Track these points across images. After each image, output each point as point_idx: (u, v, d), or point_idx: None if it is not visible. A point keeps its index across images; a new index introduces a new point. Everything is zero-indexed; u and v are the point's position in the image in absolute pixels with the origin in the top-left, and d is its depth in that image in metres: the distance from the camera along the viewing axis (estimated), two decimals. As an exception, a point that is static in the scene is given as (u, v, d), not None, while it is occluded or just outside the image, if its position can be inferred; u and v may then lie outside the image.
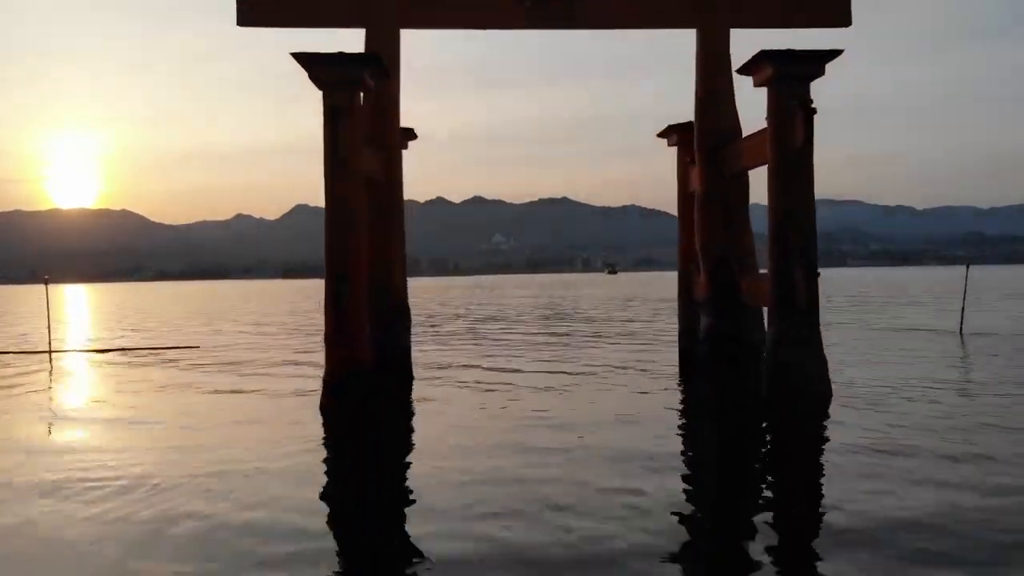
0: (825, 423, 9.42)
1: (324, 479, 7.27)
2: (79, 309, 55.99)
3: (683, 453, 8.18)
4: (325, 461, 7.93)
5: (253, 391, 12.64)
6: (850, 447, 7.91)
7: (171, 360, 17.76)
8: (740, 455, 8.20)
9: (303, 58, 10.71)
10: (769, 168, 11.03)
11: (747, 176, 13.08)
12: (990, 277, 74.17)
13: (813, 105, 10.56)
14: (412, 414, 10.62)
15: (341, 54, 10.67)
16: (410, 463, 7.81)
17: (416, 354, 16.08)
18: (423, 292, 77.09)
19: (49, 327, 20.80)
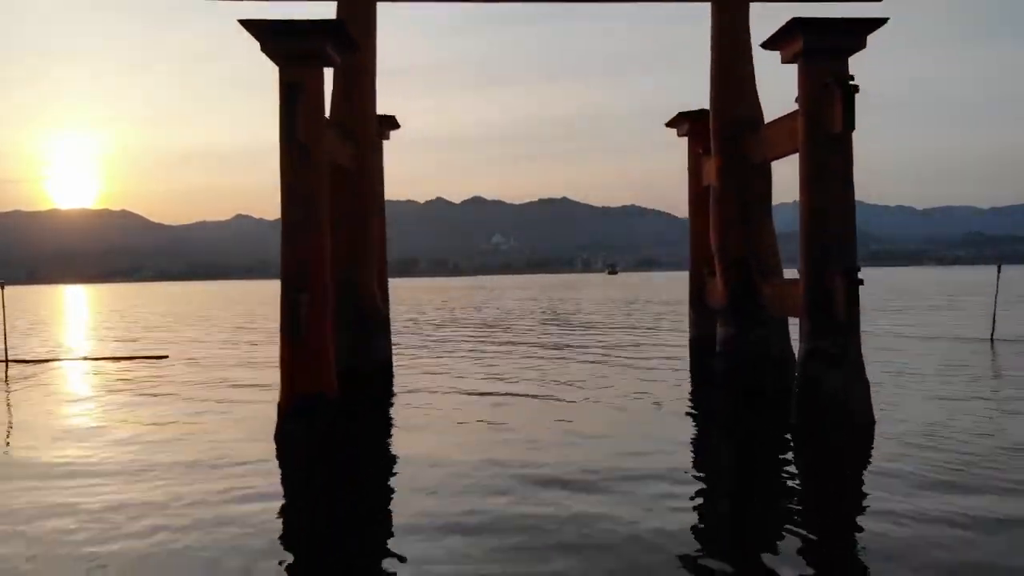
0: (870, 467, 7.81)
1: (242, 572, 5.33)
2: (65, 312, 54.45)
3: (700, 526, 6.30)
4: (253, 533, 6.08)
5: (203, 419, 10.89)
6: (909, 513, 6.17)
7: (131, 373, 16.25)
8: (768, 524, 6.35)
9: (255, 27, 9.11)
10: (801, 157, 9.50)
11: (769, 168, 11.58)
12: (993, 278, 72.41)
13: (854, 82, 8.97)
14: (377, 459, 8.75)
15: (299, 22, 9.08)
16: (357, 546, 5.97)
17: (397, 368, 14.52)
18: (420, 294, 75.66)
19: (5, 334, 19.28)
